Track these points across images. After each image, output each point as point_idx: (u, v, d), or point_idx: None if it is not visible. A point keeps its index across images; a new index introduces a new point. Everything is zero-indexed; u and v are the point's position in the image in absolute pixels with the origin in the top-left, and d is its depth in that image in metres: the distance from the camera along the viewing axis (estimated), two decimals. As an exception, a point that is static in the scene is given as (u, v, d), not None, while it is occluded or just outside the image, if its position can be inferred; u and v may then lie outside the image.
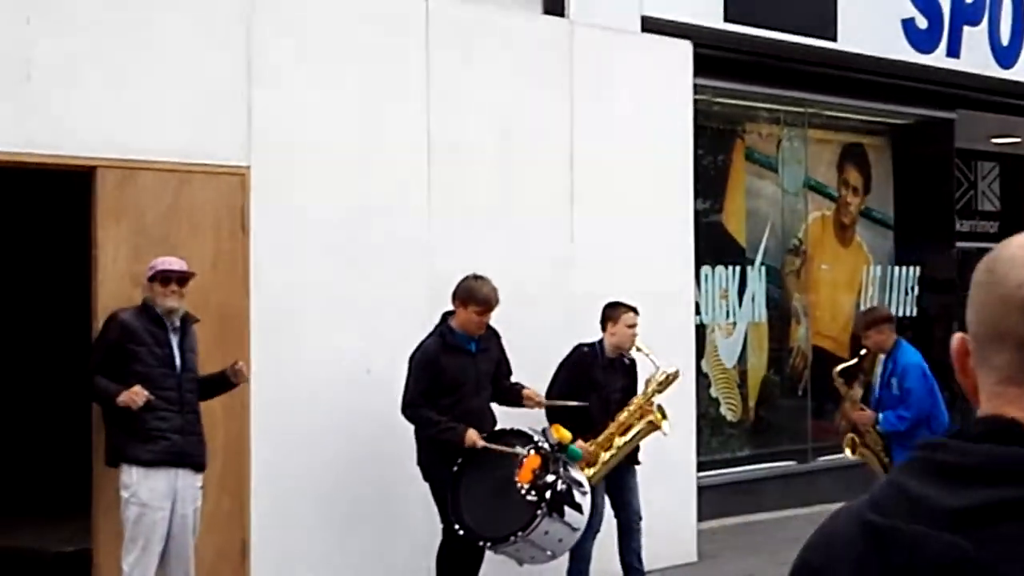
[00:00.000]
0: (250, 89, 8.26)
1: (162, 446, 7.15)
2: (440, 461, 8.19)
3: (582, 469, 8.76)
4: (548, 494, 7.95)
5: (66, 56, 7.64)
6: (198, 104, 8.07)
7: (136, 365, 7.17)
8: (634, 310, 9.07)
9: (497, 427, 8.47)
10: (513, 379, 8.70)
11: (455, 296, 8.37)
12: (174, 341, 7.30)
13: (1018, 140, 17.66)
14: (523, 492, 7.99)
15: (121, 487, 7.18)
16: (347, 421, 8.61)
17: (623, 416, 8.97)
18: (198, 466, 7.35)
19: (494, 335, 8.56)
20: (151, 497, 7.13)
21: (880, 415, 9.36)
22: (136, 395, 7.05)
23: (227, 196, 8.18)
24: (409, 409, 8.24)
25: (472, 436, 8.09)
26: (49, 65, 7.56)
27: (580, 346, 9.15)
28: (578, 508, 8.14)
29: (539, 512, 7.93)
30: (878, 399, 9.44)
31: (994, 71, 14.27)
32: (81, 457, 7.84)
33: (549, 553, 8.21)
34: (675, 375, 9.09)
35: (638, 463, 9.26)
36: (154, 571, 7.20)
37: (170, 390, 7.21)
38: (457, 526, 8.11)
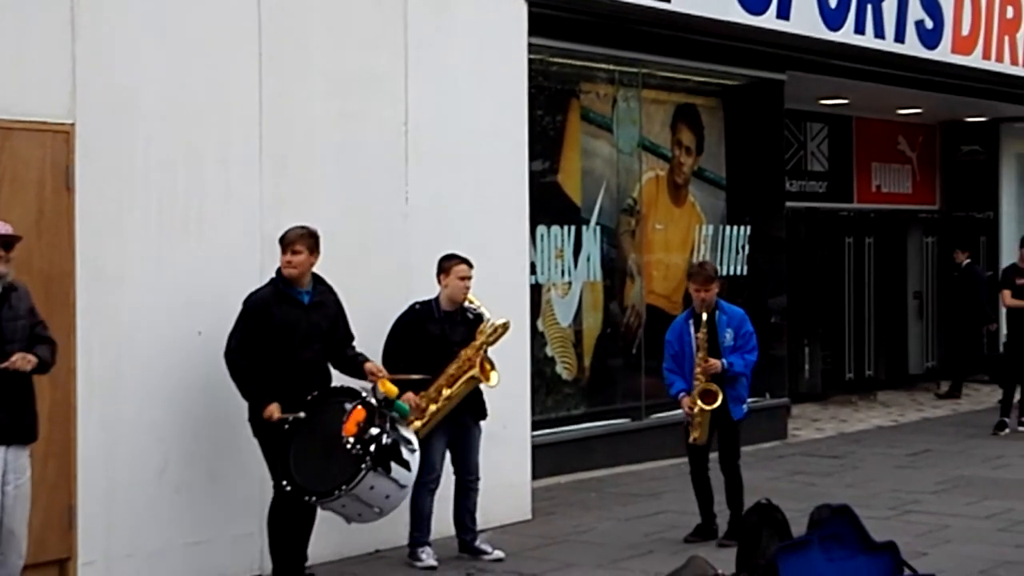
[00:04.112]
0: (74, 43, 8.01)
1: None
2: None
3: (411, 422, 8.80)
4: (373, 448, 7.91)
5: None
6: (19, 58, 7.81)
7: None
8: (467, 263, 9.17)
9: (331, 384, 8.43)
10: (357, 347, 8.64)
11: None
12: None
13: (846, 101, 18.04)
14: (348, 446, 7.94)
15: None
16: (178, 383, 8.46)
17: (452, 368, 9.03)
18: (25, 440, 7.07)
19: (331, 292, 8.53)
20: None
21: (724, 360, 9.62)
22: None
23: (51, 154, 7.94)
24: (230, 356, 8.22)
25: (271, 410, 8.08)
26: None
27: (413, 304, 9.24)
28: (405, 465, 8.10)
29: (363, 466, 7.89)
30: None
31: (823, 33, 14.52)
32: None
33: (376, 510, 8.15)
34: (504, 327, 9.17)
35: (483, 418, 9.30)
36: None
37: None
38: (285, 482, 8.07)
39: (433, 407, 8.96)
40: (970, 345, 19.14)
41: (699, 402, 9.60)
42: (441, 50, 10.22)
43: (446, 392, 9.01)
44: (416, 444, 8.32)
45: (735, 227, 15.13)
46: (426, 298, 9.23)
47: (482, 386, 9.18)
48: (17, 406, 6.97)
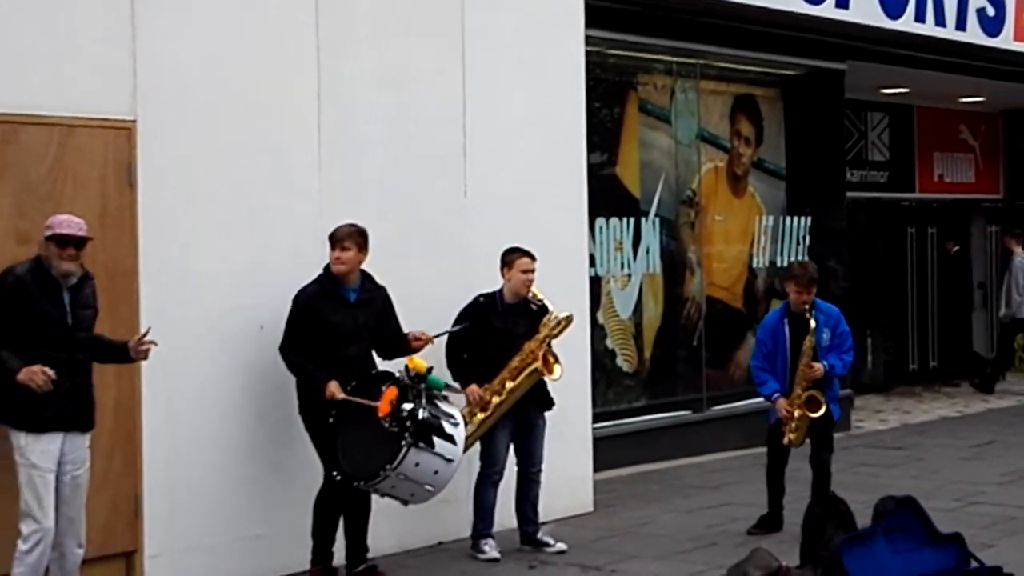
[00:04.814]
0: (135, 41, 8.08)
1: (51, 411, 6.97)
2: (318, 410, 8.22)
3: (474, 412, 8.82)
4: (409, 423, 7.93)
5: (-57, 7, 7.43)
6: (81, 56, 7.88)
7: (26, 323, 6.98)
8: (530, 255, 9.16)
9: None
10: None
11: None
12: (67, 299, 7.10)
13: (906, 90, 17.89)
14: (387, 426, 7.97)
15: (13, 451, 7.03)
16: (239, 377, 8.52)
17: (515, 361, 9.04)
18: (86, 428, 7.21)
19: (379, 289, 8.57)
20: (41, 459, 6.99)
21: (825, 362, 9.55)
22: (35, 375, 6.83)
23: (114, 150, 8.01)
24: (283, 351, 8.34)
25: (332, 388, 8.13)
26: (-75, 16, 7.35)
27: (477, 297, 9.24)
28: (449, 439, 8.10)
29: (403, 443, 7.90)
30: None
31: (882, 22, 14.41)
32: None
33: (428, 487, 8.14)
34: (568, 320, 9.18)
35: (549, 408, 9.30)
36: (52, 536, 7.04)
37: (60, 352, 7.02)
38: (335, 472, 8.12)
39: (496, 399, 8.98)
40: (961, 331, 19.58)
41: (804, 410, 9.53)
42: (499, 42, 10.21)
43: (509, 385, 9.02)
44: (459, 419, 8.32)
45: (795, 218, 15.04)
46: (490, 290, 9.24)
47: (545, 379, 9.18)
48: (76, 395, 7.11)
